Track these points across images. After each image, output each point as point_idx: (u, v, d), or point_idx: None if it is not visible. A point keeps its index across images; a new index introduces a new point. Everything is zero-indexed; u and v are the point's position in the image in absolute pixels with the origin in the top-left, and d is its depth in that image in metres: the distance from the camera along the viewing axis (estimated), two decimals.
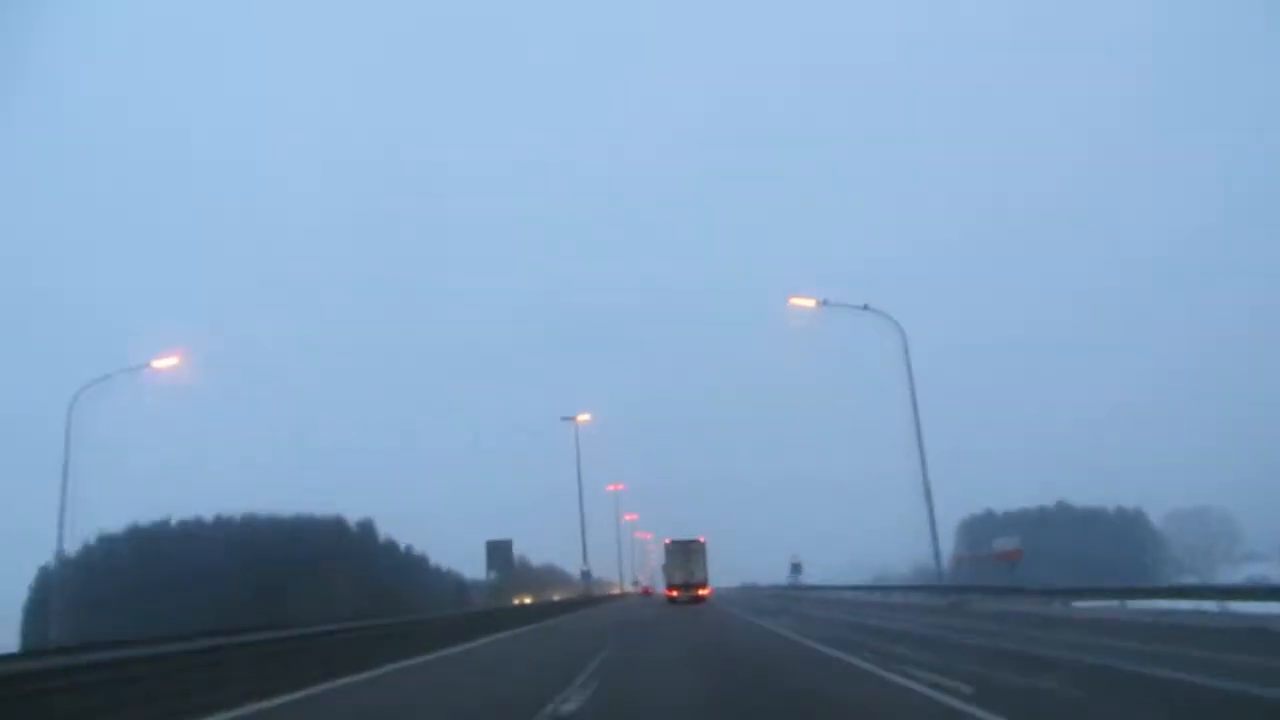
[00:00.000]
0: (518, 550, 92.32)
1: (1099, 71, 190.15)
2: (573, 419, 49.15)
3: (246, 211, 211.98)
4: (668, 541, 50.85)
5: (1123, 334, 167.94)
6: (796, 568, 51.11)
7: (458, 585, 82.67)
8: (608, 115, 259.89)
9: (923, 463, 25.88)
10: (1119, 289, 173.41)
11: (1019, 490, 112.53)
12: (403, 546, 77.24)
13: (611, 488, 79.86)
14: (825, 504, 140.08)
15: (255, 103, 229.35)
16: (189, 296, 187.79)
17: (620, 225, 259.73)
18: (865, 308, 26.77)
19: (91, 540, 50.87)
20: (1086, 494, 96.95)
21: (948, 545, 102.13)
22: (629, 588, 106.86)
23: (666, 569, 50.73)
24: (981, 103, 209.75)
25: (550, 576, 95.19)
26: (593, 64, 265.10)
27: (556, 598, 53.12)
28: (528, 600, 43.62)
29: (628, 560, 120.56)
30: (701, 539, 49.06)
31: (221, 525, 53.45)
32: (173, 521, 53.50)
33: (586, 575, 51.97)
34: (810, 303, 28.39)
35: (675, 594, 47.55)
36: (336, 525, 58.78)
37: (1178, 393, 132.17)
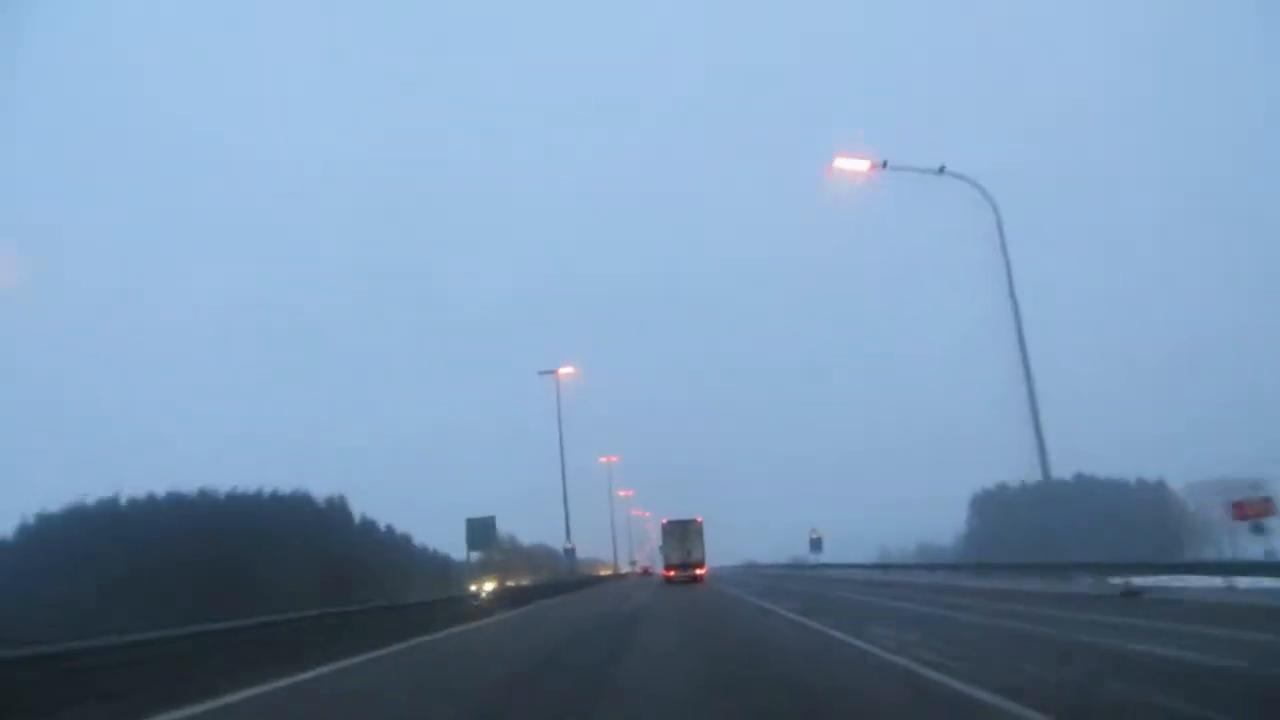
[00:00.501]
0: (509, 530, 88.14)
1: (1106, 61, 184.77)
2: (553, 373, 44.50)
3: (240, 191, 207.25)
4: (665, 521, 50.11)
5: (1134, 307, 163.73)
6: (816, 543, 45.38)
7: (444, 566, 79.09)
8: (604, 104, 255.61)
9: (1029, 384, 20.53)
10: (1132, 259, 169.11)
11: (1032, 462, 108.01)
12: (383, 525, 73.69)
13: (604, 460, 75.56)
14: (824, 483, 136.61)
15: (248, 84, 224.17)
16: (176, 276, 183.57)
17: (618, 212, 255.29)
18: (941, 170, 21.17)
19: (30, 520, 46.44)
20: (1100, 465, 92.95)
21: (958, 521, 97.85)
22: (626, 568, 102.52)
23: (664, 549, 49.85)
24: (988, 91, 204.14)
25: (541, 557, 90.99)
26: (592, 46, 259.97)
27: (511, 583, 47.64)
28: (488, 586, 38.14)
29: (623, 538, 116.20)
30: (699, 519, 48.57)
31: (174, 502, 48.85)
32: (122, 499, 48.91)
33: (570, 554, 47.15)
34: (861, 166, 22.13)
35: (672, 574, 46.68)
36: (303, 502, 54.18)
37: (1192, 360, 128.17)
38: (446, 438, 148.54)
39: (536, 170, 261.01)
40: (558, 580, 46.63)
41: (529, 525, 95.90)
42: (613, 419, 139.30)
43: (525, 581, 53.01)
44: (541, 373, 44.94)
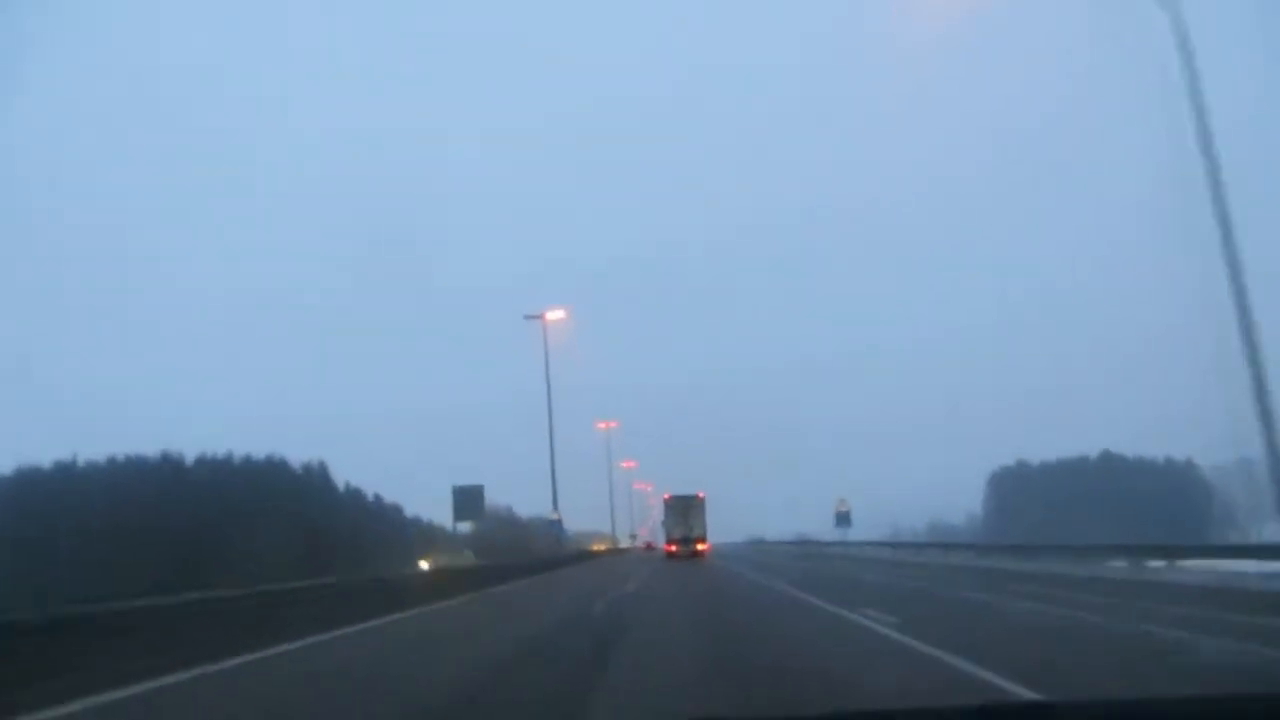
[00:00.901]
0: (506, 502, 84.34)
1: None
2: (539, 317, 40.24)
3: (235, 162, 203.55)
4: (667, 497, 50.09)
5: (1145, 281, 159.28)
6: (843, 517, 40.82)
7: (438, 538, 75.94)
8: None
9: (1238, 288, 12.82)
10: (1159, 224, 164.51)
11: (1054, 439, 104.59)
12: (370, 495, 70.27)
13: (603, 425, 71.65)
14: (831, 460, 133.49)
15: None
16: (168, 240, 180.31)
17: (620, 186, 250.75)
18: None
19: None
20: (1124, 444, 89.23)
21: (975, 501, 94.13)
22: (626, 542, 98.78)
23: (666, 524, 49.46)
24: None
25: (537, 529, 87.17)
26: (587, 19, 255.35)
27: (433, 563, 41.57)
28: (423, 565, 33.96)
29: (624, 512, 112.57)
30: (701, 494, 48.45)
31: (138, 466, 45.31)
32: (80, 461, 45.37)
33: (557, 526, 43.34)
34: None
35: (674, 549, 46.22)
36: (277, 468, 50.51)
37: (1215, 334, 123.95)
38: (448, 413, 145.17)
39: (537, 156, 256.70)
40: (534, 558, 41.44)
41: (529, 499, 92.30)
42: (619, 396, 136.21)
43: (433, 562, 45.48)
44: (527, 317, 40.63)
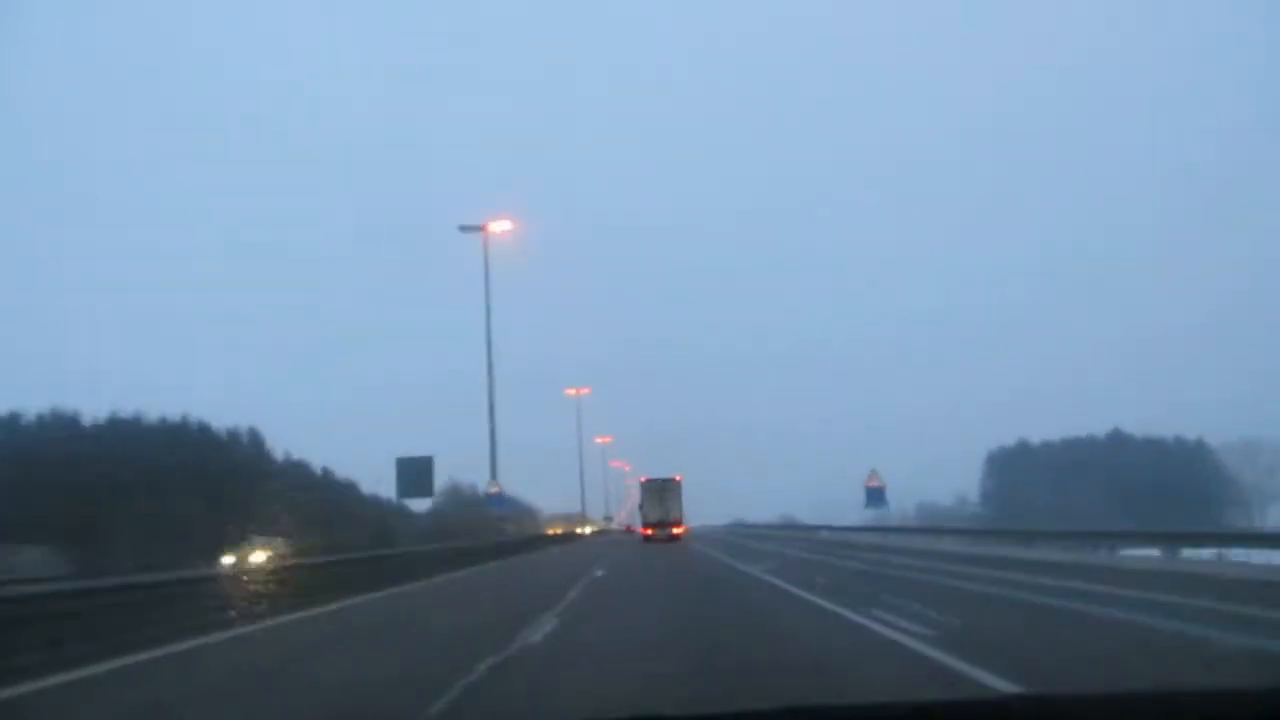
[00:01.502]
0: (471, 478, 78.00)
1: None
2: (480, 229, 33.76)
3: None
4: (643, 480, 49.85)
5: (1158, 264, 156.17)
6: (875, 495, 31.86)
7: (397, 517, 69.99)
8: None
9: None
10: (1173, 207, 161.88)
11: (1056, 419, 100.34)
12: (318, 469, 63.79)
13: (573, 392, 65.78)
14: (814, 444, 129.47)
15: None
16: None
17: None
18: None
19: None
20: (1128, 424, 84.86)
21: (963, 482, 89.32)
22: (595, 524, 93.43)
23: (643, 508, 49.08)
24: None
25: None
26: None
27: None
28: (258, 557, 27.22)
29: (600, 491, 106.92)
30: (677, 478, 47.99)
31: (18, 422, 38.82)
32: None
33: (498, 500, 37.20)
34: None
35: (650, 532, 45.74)
36: (195, 433, 44.12)
37: (1227, 320, 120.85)
38: (415, 385, 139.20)
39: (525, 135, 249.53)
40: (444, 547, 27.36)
41: (502, 478, 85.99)
42: (600, 378, 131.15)
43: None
44: (464, 228, 34.17)
